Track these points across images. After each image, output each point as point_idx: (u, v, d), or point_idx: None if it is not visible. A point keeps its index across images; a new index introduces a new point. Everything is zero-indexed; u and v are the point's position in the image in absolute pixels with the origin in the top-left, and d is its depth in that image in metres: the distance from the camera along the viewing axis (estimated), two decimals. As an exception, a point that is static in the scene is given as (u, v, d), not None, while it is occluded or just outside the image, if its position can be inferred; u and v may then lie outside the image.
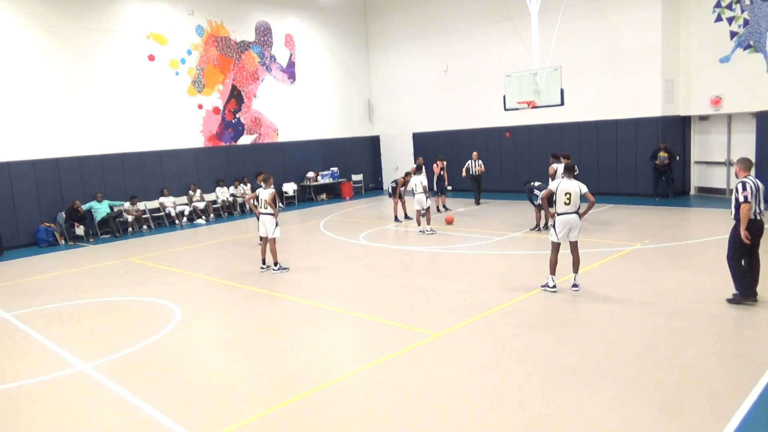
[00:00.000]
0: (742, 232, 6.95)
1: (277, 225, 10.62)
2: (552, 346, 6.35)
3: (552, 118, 18.53)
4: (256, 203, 10.97)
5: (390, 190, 15.85)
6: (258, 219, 11.01)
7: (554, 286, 8.31)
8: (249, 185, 20.02)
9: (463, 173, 17.67)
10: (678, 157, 16.83)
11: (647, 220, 13.69)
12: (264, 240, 10.88)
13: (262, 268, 10.90)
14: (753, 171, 7.95)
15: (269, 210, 10.58)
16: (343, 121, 23.78)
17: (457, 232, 13.73)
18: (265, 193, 10.66)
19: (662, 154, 16.13)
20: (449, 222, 14.79)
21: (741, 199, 6.93)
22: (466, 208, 17.53)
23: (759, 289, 7.28)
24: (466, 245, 12.12)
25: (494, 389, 5.37)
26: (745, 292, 7.21)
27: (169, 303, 9.04)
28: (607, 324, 6.90)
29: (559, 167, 12.66)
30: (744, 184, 7.01)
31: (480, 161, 17.73)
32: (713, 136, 17.06)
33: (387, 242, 13.24)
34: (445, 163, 17.26)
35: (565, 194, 8.10)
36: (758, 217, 7.06)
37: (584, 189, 8.20)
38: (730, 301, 7.32)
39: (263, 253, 10.96)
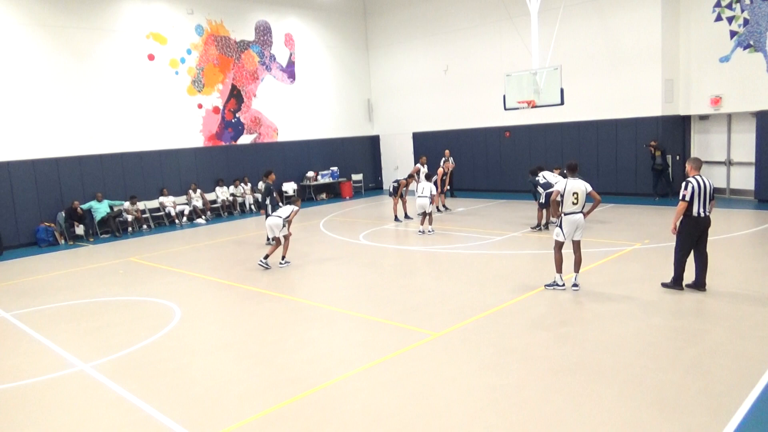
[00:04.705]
0: (672, 226, 7.86)
1: (284, 226, 11.02)
2: (552, 345, 6.35)
3: (552, 118, 18.52)
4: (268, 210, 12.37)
5: (391, 189, 15.86)
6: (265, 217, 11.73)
7: (563, 284, 8.33)
8: (249, 185, 20.03)
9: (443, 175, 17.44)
10: (678, 157, 16.83)
11: (647, 219, 13.70)
12: (276, 240, 11.14)
13: (261, 261, 11.02)
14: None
15: (282, 216, 10.99)
16: (343, 120, 23.78)
17: (457, 231, 13.73)
18: (288, 209, 11.11)
19: (657, 153, 16.15)
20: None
21: (680, 196, 7.62)
22: (465, 207, 17.54)
23: (709, 280, 7.96)
24: (466, 245, 12.12)
25: (495, 389, 5.37)
26: (676, 281, 7.92)
27: (169, 303, 9.05)
28: (608, 323, 6.90)
29: (547, 174, 12.90)
30: (687, 183, 7.59)
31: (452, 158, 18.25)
32: (713, 135, 17.06)
33: (387, 242, 13.23)
34: (451, 159, 17.68)
35: (573, 194, 8.11)
36: (702, 215, 7.65)
37: (589, 188, 8.25)
38: (664, 284, 8.09)
39: (272, 250, 11.10)
